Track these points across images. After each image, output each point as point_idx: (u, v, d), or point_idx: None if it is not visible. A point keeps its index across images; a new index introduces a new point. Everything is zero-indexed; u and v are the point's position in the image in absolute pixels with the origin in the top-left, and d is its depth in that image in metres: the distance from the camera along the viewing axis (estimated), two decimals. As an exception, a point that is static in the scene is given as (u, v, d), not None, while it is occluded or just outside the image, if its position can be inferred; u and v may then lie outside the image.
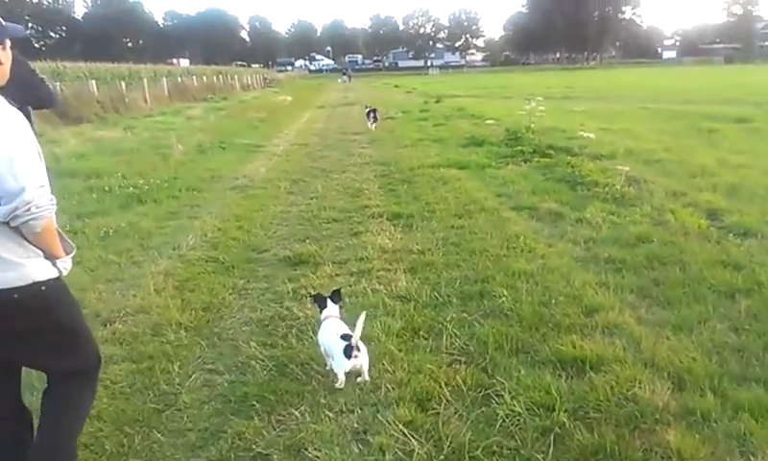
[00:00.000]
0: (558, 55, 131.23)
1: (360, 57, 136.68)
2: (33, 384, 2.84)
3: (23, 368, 2.51)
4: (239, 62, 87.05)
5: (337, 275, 5.03)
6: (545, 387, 3.12)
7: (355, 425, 2.96)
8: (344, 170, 10.06)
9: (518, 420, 2.91)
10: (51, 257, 2.25)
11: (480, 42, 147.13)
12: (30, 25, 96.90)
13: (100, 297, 4.66)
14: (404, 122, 17.92)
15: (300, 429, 2.93)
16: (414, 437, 2.81)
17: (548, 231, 6.06)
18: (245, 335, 3.98)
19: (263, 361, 3.59)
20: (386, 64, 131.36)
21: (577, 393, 3.09)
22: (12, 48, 2.38)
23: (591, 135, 10.80)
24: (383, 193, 8.11)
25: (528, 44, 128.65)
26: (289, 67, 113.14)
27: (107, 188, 8.31)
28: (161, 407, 3.17)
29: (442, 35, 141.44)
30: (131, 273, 5.23)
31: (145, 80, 27.22)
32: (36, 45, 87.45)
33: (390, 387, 3.25)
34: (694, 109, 18.40)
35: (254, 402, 3.15)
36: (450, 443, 2.76)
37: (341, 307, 3.74)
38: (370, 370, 3.31)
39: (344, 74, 72.55)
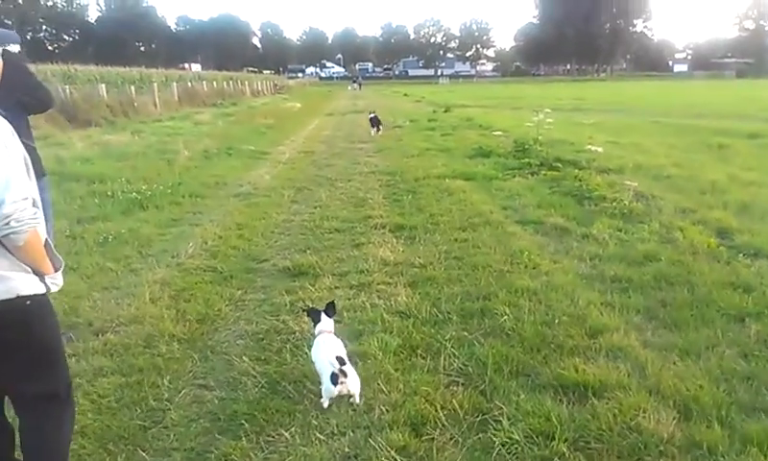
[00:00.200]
0: (568, 66, 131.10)
1: (370, 65, 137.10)
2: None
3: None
4: (250, 69, 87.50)
5: (336, 287, 4.93)
6: (545, 414, 3.00)
7: (346, 450, 2.85)
8: (349, 179, 9.98)
9: (516, 448, 2.79)
10: (39, 274, 2.17)
11: (491, 53, 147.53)
12: (44, 28, 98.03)
13: (94, 305, 4.58)
14: (412, 131, 17.84)
15: (289, 452, 2.83)
16: (406, 464, 2.69)
17: (553, 247, 5.94)
18: (239, 349, 3.88)
19: (255, 377, 3.49)
20: (396, 73, 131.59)
21: (578, 421, 2.97)
22: (2, 55, 2.30)
23: (600, 149, 10.66)
24: (387, 203, 8.02)
25: (539, 55, 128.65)
26: (300, 74, 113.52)
27: (109, 193, 8.26)
28: (148, 424, 3.08)
29: (452, 44, 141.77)
30: (127, 281, 5.15)
31: (155, 84, 27.29)
32: (50, 48, 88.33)
33: (384, 409, 3.13)
34: (705, 124, 18.23)
35: (244, 421, 3.05)
36: (444, 471, 2.65)
37: (336, 321, 3.64)
38: (362, 392, 3.20)
39: (354, 82, 72.80)
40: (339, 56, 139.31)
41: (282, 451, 2.84)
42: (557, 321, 4.10)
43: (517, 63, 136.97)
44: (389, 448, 2.80)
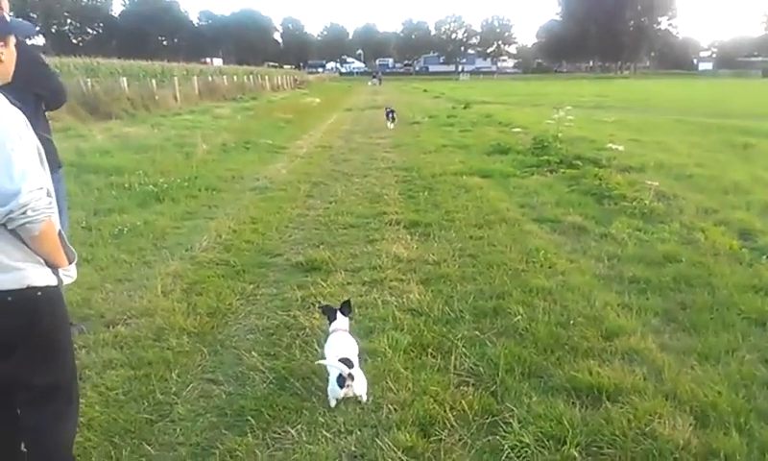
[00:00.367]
0: (591, 63, 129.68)
1: (391, 60, 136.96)
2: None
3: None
4: (271, 63, 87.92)
5: (348, 283, 4.89)
6: (557, 417, 2.93)
7: (353, 449, 2.80)
8: (365, 174, 9.93)
9: (526, 452, 2.72)
10: (53, 266, 2.16)
11: (512, 49, 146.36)
12: (68, 21, 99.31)
13: (107, 297, 4.59)
14: (430, 127, 17.73)
15: (295, 450, 2.79)
16: (413, 465, 2.64)
17: (570, 246, 5.83)
18: (248, 344, 3.86)
19: (264, 373, 3.46)
20: (416, 69, 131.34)
21: (591, 425, 2.89)
22: (16, 45, 2.28)
23: (621, 147, 10.46)
24: (403, 200, 7.95)
25: (561, 52, 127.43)
26: (320, 69, 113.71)
27: (127, 185, 8.29)
28: (155, 418, 3.06)
29: (474, 40, 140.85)
30: (140, 273, 5.15)
31: (176, 78, 27.47)
32: (74, 41, 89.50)
33: (392, 408, 3.09)
34: (729, 123, 17.87)
35: (250, 417, 3.02)
36: (451, 474, 2.59)
37: (351, 319, 3.60)
38: (370, 390, 3.16)
39: (374, 77, 72.74)
40: (359, 51, 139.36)
41: (288, 449, 2.81)
42: (572, 322, 4.02)
43: (539, 60, 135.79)
44: (396, 449, 2.75)
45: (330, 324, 3.52)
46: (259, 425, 2.97)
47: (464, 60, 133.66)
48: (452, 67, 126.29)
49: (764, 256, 5.35)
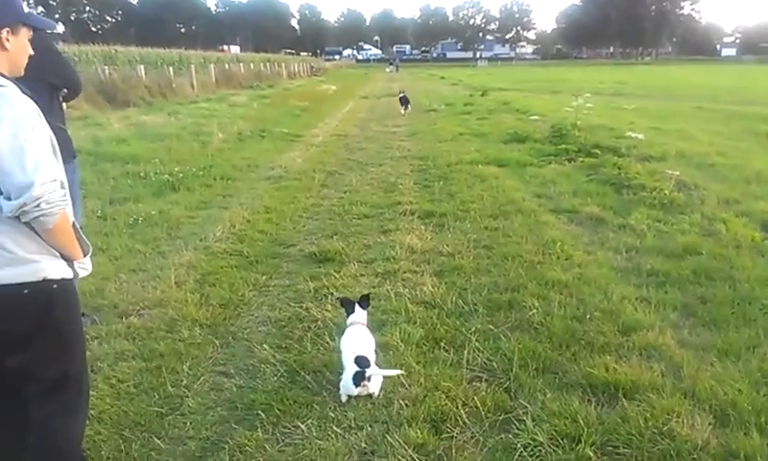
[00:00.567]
0: (611, 49, 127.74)
1: (408, 47, 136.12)
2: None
3: None
4: (288, 50, 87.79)
5: (361, 275, 4.85)
6: (572, 415, 2.87)
7: (363, 445, 2.77)
8: (380, 163, 9.87)
9: (540, 451, 2.66)
10: (68, 258, 2.14)
11: (531, 35, 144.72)
12: (87, 9, 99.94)
13: (120, 287, 4.59)
14: (447, 115, 17.59)
15: (305, 445, 2.76)
16: (423, 463, 2.60)
17: (588, 238, 5.73)
18: (260, 336, 3.84)
19: (275, 365, 3.44)
20: (434, 55, 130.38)
21: (607, 423, 2.82)
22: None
23: (641, 136, 10.28)
24: (418, 189, 7.88)
25: (581, 38, 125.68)
26: (337, 56, 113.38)
27: (142, 174, 8.32)
28: (165, 411, 3.05)
29: (492, 26, 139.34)
30: (154, 263, 5.16)
31: (193, 66, 27.53)
32: (93, 29, 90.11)
33: (403, 404, 3.04)
34: (752, 111, 17.49)
35: (261, 411, 3.00)
36: (462, 473, 2.55)
37: (368, 313, 3.56)
38: (381, 386, 3.13)
39: (391, 64, 72.46)
40: (376, 38, 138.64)
41: (298, 444, 2.78)
42: (588, 316, 3.94)
43: (558, 46, 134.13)
44: (406, 446, 2.71)
45: (348, 317, 3.47)
46: (269, 420, 2.94)
47: (482, 47, 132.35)
48: (470, 54, 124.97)
49: (788, 249, 5.21)
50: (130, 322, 4.00)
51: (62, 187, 2.04)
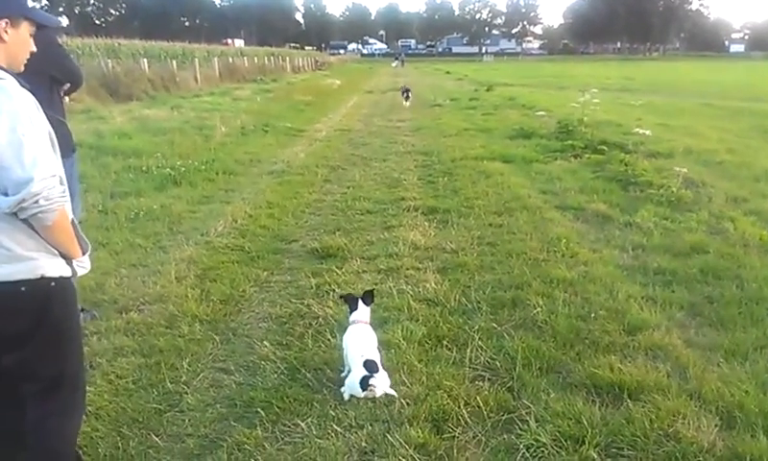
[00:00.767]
0: (619, 45, 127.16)
1: (413, 41, 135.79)
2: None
3: None
4: (292, 44, 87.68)
5: (364, 271, 4.80)
6: (576, 415, 2.82)
7: (363, 444, 2.73)
8: (384, 159, 9.81)
9: (543, 452, 2.62)
10: (67, 256, 2.10)
11: (538, 30, 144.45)
12: (91, 2, 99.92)
13: (121, 282, 4.56)
14: (452, 110, 17.51)
15: (305, 444, 2.72)
16: (424, 464, 2.56)
17: (594, 235, 5.67)
18: (261, 332, 3.80)
19: (275, 362, 3.40)
20: (439, 50, 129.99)
21: (611, 425, 2.77)
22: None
23: (648, 132, 10.17)
24: (421, 185, 7.83)
25: (588, 33, 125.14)
26: (341, 51, 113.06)
27: (144, 168, 8.28)
28: (164, 408, 3.01)
29: (498, 21, 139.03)
30: (155, 258, 5.12)
31: (197, 60, 27.47)
32: (97, 22, 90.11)
33: (404, 402, 3.00)
34: (761, 108, 17.35)
35: (260, 409, 2.96)
36: (464, 474, 2.50)
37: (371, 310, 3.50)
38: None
39: (396, 58, 72.25)
40: (381, 32, 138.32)
41: (297, 443, 2.74)
42: (593, 315, 3.89)
43: (565, 41, 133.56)
44: (407, 446, 2.67)
45: (350, 313, 3.39)
46: (269, 418, 2.90)
47: (488, 41, 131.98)
48: (476, 48, 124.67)
49: (797, 248, 5.14)
50: (129, 317, 3.97)
51: (61, 183, 2.00)
